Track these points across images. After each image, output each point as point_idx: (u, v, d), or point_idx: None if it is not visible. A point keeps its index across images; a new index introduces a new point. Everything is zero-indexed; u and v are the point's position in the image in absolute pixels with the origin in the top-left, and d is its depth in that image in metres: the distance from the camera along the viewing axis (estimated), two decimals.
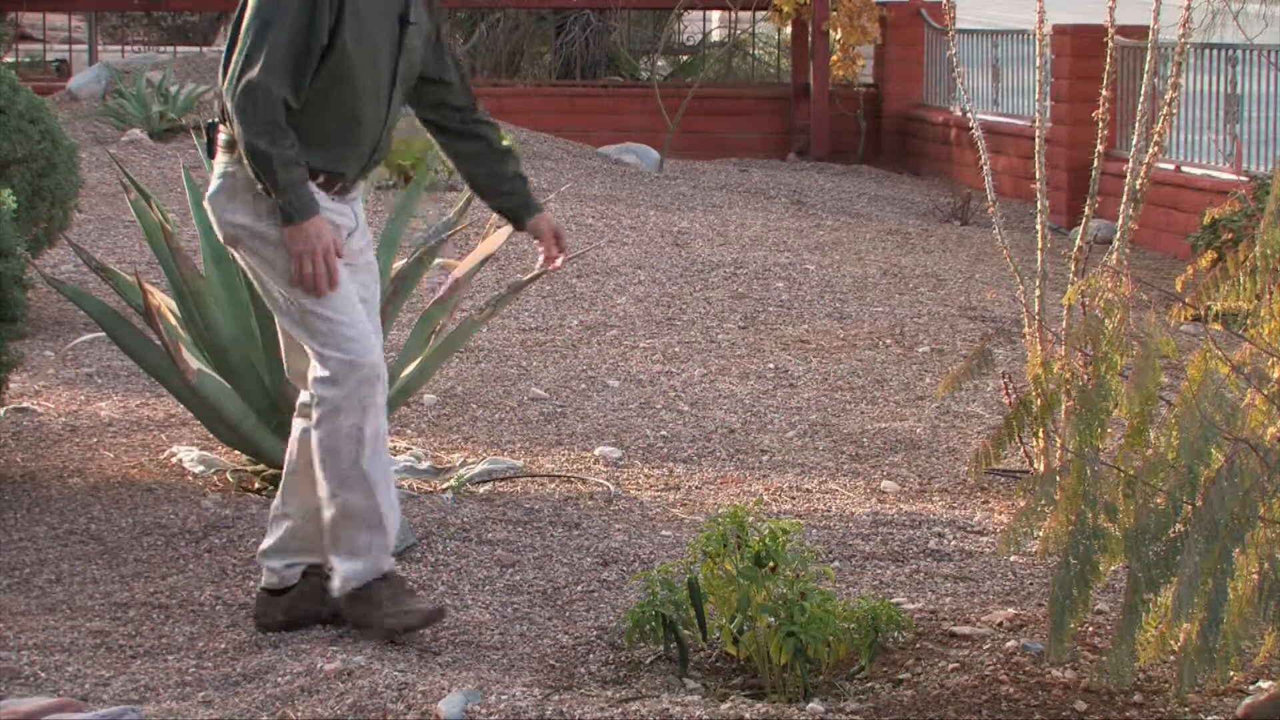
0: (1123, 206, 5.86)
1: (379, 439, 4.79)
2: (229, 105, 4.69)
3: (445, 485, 6.29)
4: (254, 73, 4.64)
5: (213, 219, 4.87)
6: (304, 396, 4.93)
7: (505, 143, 5.14)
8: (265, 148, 4.63)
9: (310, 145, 4.74)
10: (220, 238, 4.90)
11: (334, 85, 4.76)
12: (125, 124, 14.76)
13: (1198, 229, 9.78)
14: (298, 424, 4.97)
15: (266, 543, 5.02)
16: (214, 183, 4.84)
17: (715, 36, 21.79)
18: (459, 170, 5.17)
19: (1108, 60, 5.93)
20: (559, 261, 5.17)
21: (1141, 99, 5.85)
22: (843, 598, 4.75)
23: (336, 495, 4.78)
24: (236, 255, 4.92)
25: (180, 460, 6.56)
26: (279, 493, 5.03)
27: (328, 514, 4.82)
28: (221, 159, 4.81)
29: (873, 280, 10.30)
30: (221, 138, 4.81)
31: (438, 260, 6.65)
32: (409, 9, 4.86)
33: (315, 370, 4.77)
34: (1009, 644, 4.51)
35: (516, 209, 5.15)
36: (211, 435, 6.50)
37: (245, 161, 4.68)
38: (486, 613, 5.06)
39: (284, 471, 5.02)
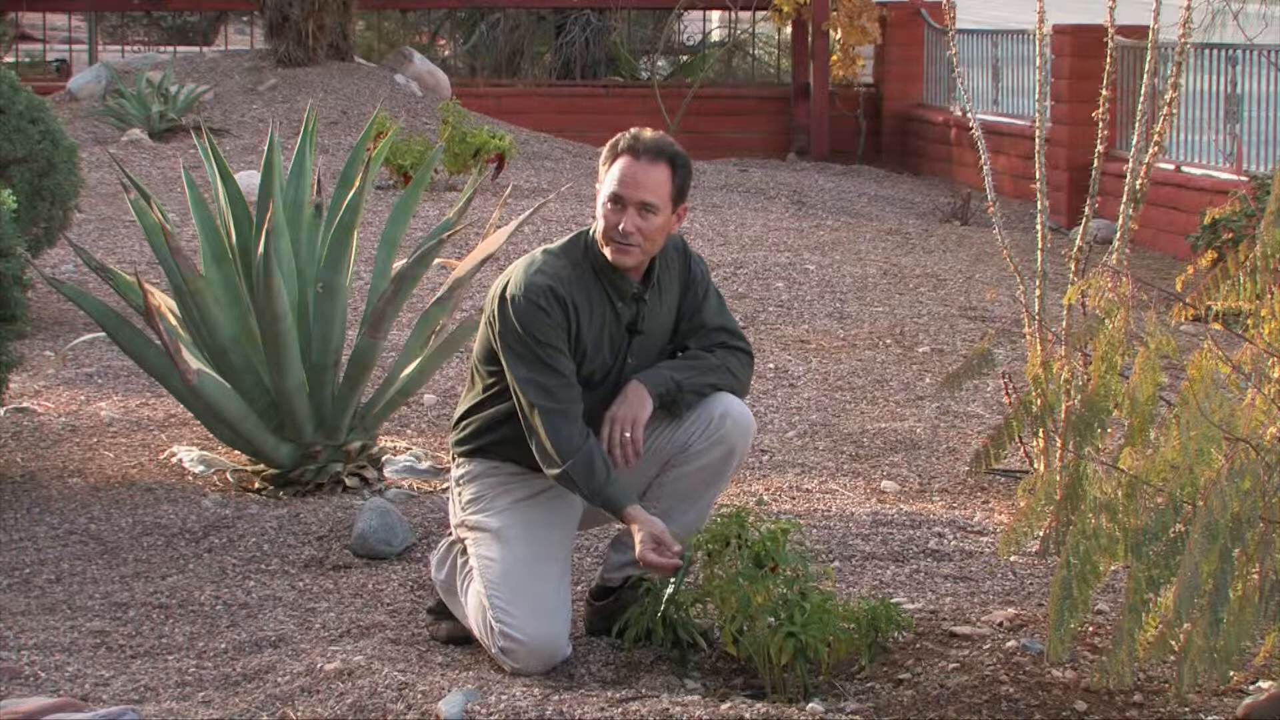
0: (1123, 206, 5.85)
1: None
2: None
3: (445, 485, 6.29)
4: (530, 417, 4.59)
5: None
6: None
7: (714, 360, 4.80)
8: (562, 471, 4.58)
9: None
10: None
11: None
12: (125, 124, 14.76)
13: (1198, 229, 9.77)
14: None
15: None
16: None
17: (715, 36, 21.79)
18: None
19: (1108, 60, 5.92)
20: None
21: (1141, 99, 5.85)
22: (843, 598, 4.74)
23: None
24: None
25: (180, 460, 6.56)
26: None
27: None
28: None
29: (873, 280, 10.29)
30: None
31: (438, 260, 6.65)
32: (639, 318, 4.69)
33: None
34: (1009, 644, 4.51)
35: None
36: (211, 435, 6.50)
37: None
38: None
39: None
